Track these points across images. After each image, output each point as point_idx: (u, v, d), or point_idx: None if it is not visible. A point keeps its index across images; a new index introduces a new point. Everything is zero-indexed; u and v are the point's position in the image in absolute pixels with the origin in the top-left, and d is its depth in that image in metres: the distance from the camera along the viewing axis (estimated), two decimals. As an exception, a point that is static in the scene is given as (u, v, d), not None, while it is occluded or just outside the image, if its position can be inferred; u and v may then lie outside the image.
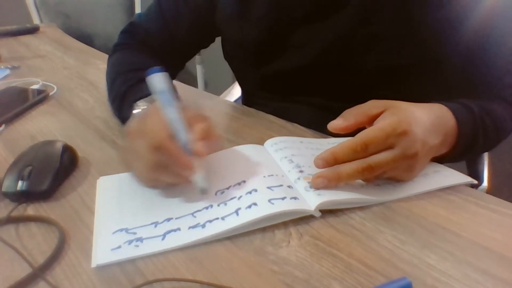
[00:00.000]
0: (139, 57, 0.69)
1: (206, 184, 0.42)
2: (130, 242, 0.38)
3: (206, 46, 0.77)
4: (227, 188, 0.44)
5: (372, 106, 0.47)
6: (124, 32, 0.75)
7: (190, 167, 0.41)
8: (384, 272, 0.35)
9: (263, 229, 0.40)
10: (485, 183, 0.87)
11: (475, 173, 0.87)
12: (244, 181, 0.45)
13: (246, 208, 0.40)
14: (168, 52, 0.71)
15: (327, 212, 0.42)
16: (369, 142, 0.42)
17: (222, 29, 0.70)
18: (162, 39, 0.71)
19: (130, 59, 0.68)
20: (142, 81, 0.52)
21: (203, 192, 0.42)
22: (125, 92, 0.58)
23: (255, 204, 0.41)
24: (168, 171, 0.42)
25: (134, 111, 0.52)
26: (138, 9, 1.89)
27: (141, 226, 0.40)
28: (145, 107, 0.52)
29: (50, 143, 0.52)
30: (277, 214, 0.39)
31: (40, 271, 0.35)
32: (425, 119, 0.45)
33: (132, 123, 0.46)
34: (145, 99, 0.53)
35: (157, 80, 0.43)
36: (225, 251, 0.37)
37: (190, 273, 0.35)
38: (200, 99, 0.75)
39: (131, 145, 0.44)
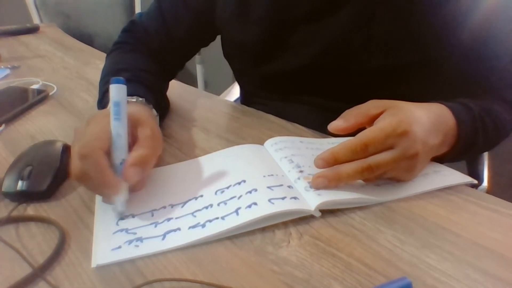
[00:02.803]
0: (132, 58, 0.69)
1: (123, 208, 0.41)
2: (130, 242, 0.38)
3: (206, 45, 0.77)
4: (227, 188, 0.44)
5: (372, 106, 0.47)
6: (125, 31, 0.75)
7: (113, 187, 0.40)
8: (384, 272, 0.35)
9: (263, 229, 0.40)
10: (485, 183, 0.87)
11: (475, 173, 0.87)
12: (244, 181, 0.45)
13: (246, 207, 0.40)
14: (168, 51, 0.71)
15: (327, 212, 0.42)
16: (369, 143, 0.42)
17: (221, 29, 0.70)
18: (161, 39, 0.71)
19: (122, 59, 0.69)
20: (128, 81, 0.51)
21: (118, 216, 0.41)
22: (105, 92, 0.58)
23: (255, 203, 0.41)
24: (91, 183, 0.41)
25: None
26: (138, 9, 1.89)
27: (141, 226, 0.40)
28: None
29: (50, 143, 0.52)
30: (277, 214, 0.39)
31: (40, 271, 0.35)
32: (425, 119, 0.45)
33: (83, 123, 0.45)
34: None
35: (115, 90, 0.42)
36: (225, 251, 0.37)
37: (190, 273, 0.35)
38: (200, 99, 0.75)
39: (72, 144, 0.43)
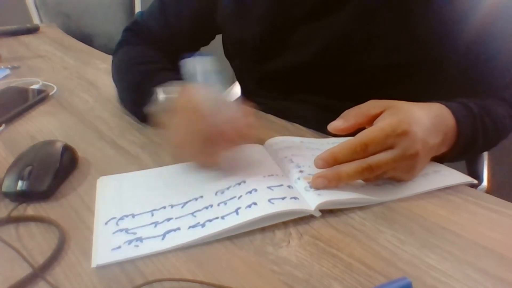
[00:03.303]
0: (149, 51, 0.69)
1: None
2: (130, 242, 0.38)
3: (206, 43, 0.77)
4: (227, 188, 0.44)
5: (371, 106, 0.47)
6: (128, 30, 0.75)
7: (242, 136, 0.44)
8: (384, 272, 0.35)
9: (263, 229, 0.40)
10: (485, 183, 0.87)
11: (474, 173, 0.87)
12: (244, 181, 0.45)
13: (246, 207, 0.40)
14: (170, 50, 0.71)
15: (327, 212, 0.42)
16: (369, 143, 0.42)
17: (223, 27, 0.70)
18: (164, 38, 0.71)
19: (141, 53, 0.69)
20: (162, 70, 0.58)
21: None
22: (141, 81, 0.59)
23: (255, 203, 0.41)
24: (222, 142, 0.44)
25: (163, 95, 0.52)
26: (138, 9, 1.89)
27: (141, 226, 0.40)
28: (172, 92, 0.52)
29: (50, 143, 0.52)
30: (277, 213, 0.39)
31: (40, 271, 0.35)
32: (425, 119, 0.45)
33: (179, 102, 0.46)
34: (169, 85, 0.53)
35: (206, 62, 0.45)
36: (225, 251, 0.37)
37: (190, 273, 0.35)
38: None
39: (184, 121, 0.45)
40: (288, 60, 0.64)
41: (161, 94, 0.52)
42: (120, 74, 0.66)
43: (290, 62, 0.64)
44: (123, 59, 0.69)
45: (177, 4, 0.70)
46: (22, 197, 0.45)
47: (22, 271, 0.35)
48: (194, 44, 0.76)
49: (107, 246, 0.37)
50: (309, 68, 0.63)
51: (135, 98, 0.59)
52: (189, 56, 0.45)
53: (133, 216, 0.42)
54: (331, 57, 0.61)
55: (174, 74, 0.57)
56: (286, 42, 0.63)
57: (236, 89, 1.16)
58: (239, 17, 0.66)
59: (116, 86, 0.69)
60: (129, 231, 0.39)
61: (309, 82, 0.65)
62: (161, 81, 0.54)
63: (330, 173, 0.42)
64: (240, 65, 0.74)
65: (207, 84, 0.45)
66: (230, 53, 0.73)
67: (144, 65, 0.63)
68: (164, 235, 0.39)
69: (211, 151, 0.45)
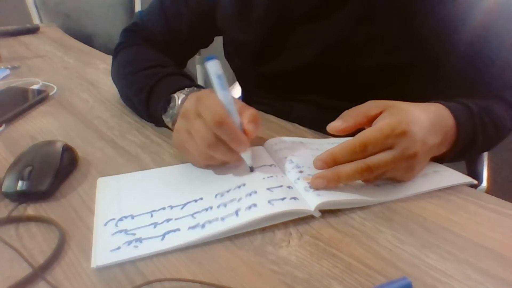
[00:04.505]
0: (156, 54, 0.69)
1: (252, 162, 0.47)
2: (129, 243, 0.38)
3: (206, 46, 0.77)
4: (227, 191, 0.44)
5: (371, 106, 0.47)
6: (127, 31, 0.75)
7: (245, 144, 0.44)
8: (384, 272, 0.35)
9: (263, 229, 0.40)
10: (484, 183, 0.87)
11: (474, 173, 0.87)
12: (244, 184, 0.45)
13: (246, 209, 0.40)
14: (171, 51, 0.71)
15: (327, 212, 0.42)
16: (368, 143, 0.42)
17: (223, 29, 0.70)
18: (164, 39, 0.71)
19: (147, 55, 0.69)
20: (172, 74, 0.58)
21: (251, 170, 0.47)
22: (154, 84, 0.59)
23: (254, 205, 0.41)
24: (223, 148, 0.44)
25: (179, 98, 0.54)
26: (138, 9, 1.89)
27: (141, 227, 0.40)
28: (184, 95, 0.54)
29: (50, 143, 0.52)
30: (276, 214, 0.39)
31: (40, 271, 0.35)
32: (424, 119, 0.45)
33: (186, 106, 0.47)
34: (182, 90, 0.55)
35: (215, 66, 0.46)
36: (225, 251, 0.37)
37: (190, 273, 0.35)
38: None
39: (189, 125, 0.45)
40: (288, 61, 0.64)
41: (177, 97, 0.54)
42: (128, 77, 0.65)
43: (290, 63, 0.64)
44: (128, 60, 0.69)
45: (177, 4, 0.70)
46: (22, 197, 0.45)
47: (22, 271, 0.35)
48: (194, 45, 0.76)
49: (106, 247, 0.37)
50: (309, 69, 0.63)
51: (148, 102, 0.59)
52: (208, 59, 0.45)
53: (133, 217, 0.42)
54: (330, 58, 0.61)
55: (186, 78, 0.59)
56: (286, 43, 0.63)
57: (236, 90, 1.16)
58: (239, 18, 0.66)
59: (123, 82, 0.68)
60: (129, 232, 0.39)
61: (309, 82, 0.65)
62: (175, 86, 0.55)
63: (330, 173, 0.42)
64: (240, 66, 0.74)
65: (220, 88, 0.45)
66: (231, 54, 0.73)
67: (154, 68, 0.63)
68: (163, 236, 0.39)
69: (209, 156, 0.45)
